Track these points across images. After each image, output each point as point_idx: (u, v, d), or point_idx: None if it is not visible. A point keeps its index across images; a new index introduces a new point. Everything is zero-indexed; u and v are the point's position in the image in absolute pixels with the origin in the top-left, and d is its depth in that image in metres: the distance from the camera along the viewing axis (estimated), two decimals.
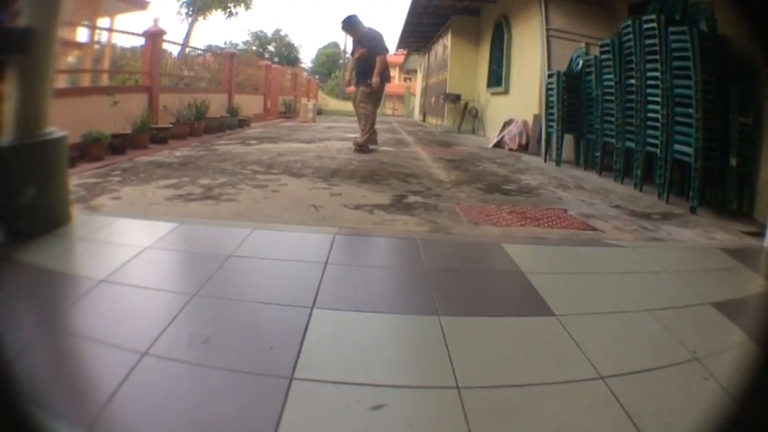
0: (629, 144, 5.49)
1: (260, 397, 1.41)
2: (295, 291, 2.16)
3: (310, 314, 1.92)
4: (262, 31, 43.85)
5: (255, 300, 2.09)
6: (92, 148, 5.60)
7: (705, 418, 1.08)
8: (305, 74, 26.49)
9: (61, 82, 7.12)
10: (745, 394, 0.83)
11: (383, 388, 1.47)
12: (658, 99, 4.82)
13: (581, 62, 6.93)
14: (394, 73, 37.70)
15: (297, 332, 1.77)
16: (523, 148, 8.70)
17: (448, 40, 14.98)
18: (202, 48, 17.83)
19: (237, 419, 1.32)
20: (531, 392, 1.50)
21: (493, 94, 11.75)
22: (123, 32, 11.65)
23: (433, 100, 18.09)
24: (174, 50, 10.87)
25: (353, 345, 1.78)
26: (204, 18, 22.32)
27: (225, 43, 38.10)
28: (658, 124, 4.82)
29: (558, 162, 6.99)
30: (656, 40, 4.84)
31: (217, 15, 22.86)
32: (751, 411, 0.80)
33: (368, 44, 7.48)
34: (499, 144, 9.28)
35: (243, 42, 42.74)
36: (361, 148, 7.43)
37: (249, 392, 1.43)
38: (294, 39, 68.44)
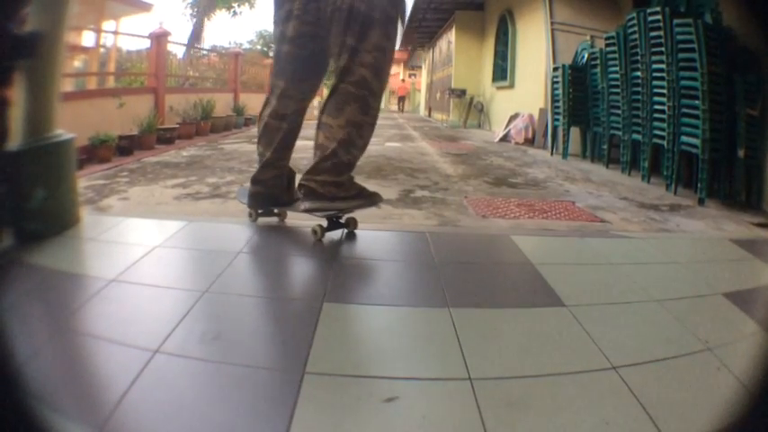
0: (635, 136, 5.47)
1: (273, 392, 1.42)
2: (305, 285, 2.16)
3: (321, 308, 1.92)
4: (266, 30, 43.79)
5: (266, 295, 2.10)
6: (99, 150, 5.64)
7: (719, 407, 1.08)
8: None
9: (68, 86, 7.15)
10: (758, 384, 0.83)
11: (395, 380, 1.47)
12: (664, 91, 4.80)
13: (586, 55, 6.91)
14: (398, 69, 37.42)
15: (308, 326, 1.77)
16: (529, 141, 8.68)
17: (452, 36, 14.94)
18: (207, 48, 17.86)
19: (251, 414, 1.32)
20: (543, 383, 1.50)
21: (498, 88, 11.72)
22: (128, 35, 11.71)
23: (438, 95, 18.06)
24: (179, 51, 10.91)
25: (364, 338, 1.79)
26: (208, 18, 22.32)
27: (230, 43, 38.09)
28: (665, 116, 4.80)
29: (565, 155, 6.97)
30: (662, 33, 4.82)
31: (221, 15, 22.86)
32: (764, 400, 0.80)
33: None
34: (505, 138, 9.26)
35: (248, 42, 42.69)
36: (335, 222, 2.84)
37: (262, 387, 1.44)
38: None
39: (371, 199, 2.75)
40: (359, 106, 2.54)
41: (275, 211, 3.07)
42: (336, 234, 2.86)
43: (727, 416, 0.84)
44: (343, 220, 2.83)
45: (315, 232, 2.74)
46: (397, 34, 2.60)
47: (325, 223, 2.76)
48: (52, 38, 2.68)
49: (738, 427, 0.80)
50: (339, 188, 2.60)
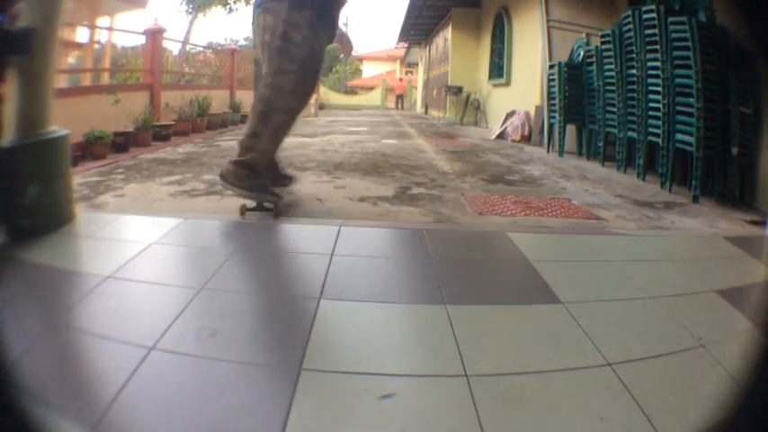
0: (630, 134, 5.48)
1: (269, 388, 1.42)
2: (302, 282, 2.16)
3: (317, 305, 1.93)
4: None
5: (262, 292, 2.10)
6: (94, 147, 5.61)
7: (712, 404, 1.09)
8: None
9: (62, 82, 7.12)
10: (751, 381, 0.83)
11: (392, 377, 1.48)
12: (659, 89, 4.81)
13: (582, 53, 6.91)
14: (394, 66, 37.37)
15: (304, 323, 1.77)
16: (526, 139, 8.69)
17: (449, 33, 14.94)
18: (203, 44, 17.82)
19: (247, 411, 1.32)
20: (539, 379, 1.50)
21: (494, 85, 11.73)
22: (123, 31, 11.66)
23: (434, 92, 18.05)
24: (175, 48, 10.87)
25: (361, 335, 1.79)
26: (204, 15, 22.24)
27: (226, 39, 37.95)
28: (660, 114, 4.81)
29: (561, 152, 6.98)
30: (656, 31, 4.82)
31: (217, 12, 22.79)
32: (757, 398, 0.80)
33: None
34: (502, 135, 9.26)
35: (244, 38, 42.60)
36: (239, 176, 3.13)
37: (258, 384, 1.44)
38: None
39: (261, 196, 3.20)
40: (259, 120, 3.11)
41: (265, 205, 3.26)
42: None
43: (721, 412, 0.84)
44: (269, 205, 3.23)
45: (242, 212, 3.21)
46: (299, 55, 3.07)
47: (250, 204, 3.22)
48: (46, 34, 2.67)
49: (732, 424, 0.80)
50: (236, 177, 3.11)
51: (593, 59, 6.33)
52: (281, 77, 3.07)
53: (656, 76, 4.86)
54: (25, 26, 2.59)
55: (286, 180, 3.79)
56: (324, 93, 26.75)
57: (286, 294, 2.06)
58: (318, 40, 3.15)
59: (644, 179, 5.17)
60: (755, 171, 4.25)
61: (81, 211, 3.07)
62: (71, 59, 10.14)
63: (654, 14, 4.86)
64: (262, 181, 3.19)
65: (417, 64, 27.27)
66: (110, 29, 12.14)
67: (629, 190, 4.71)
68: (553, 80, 7.11)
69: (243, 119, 11.27)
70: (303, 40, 3.06)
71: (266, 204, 3.22)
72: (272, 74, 3.07)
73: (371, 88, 32.71)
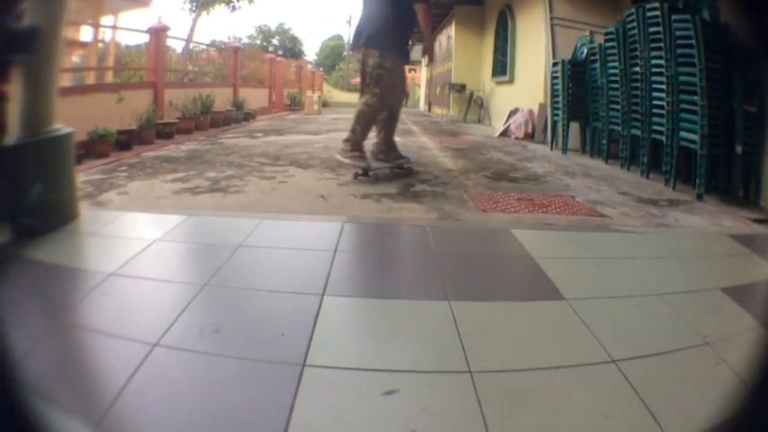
0: (634, 132, 5.46)
1: (272, 384, 1.42)
2: (305, 279, 2.16)
3: (321, 301, 1.93)
4: (265, 25, 43.90)
5: (266, 288, 2.10)
6: (98, 145, 5.62)
7: (717, 401, 1.08)
8: (309, 66, 26.48)
9: (66, 80, 7.12)
10: (756, 378, 0.83)
11: (395, 373, 1.48)
12: (663, 87, 4.79)
13: (585, 50, 6.88)
14: None
15: (308, 319, 1.78)
16: (529, 136, 8.66)
17: (452, 30, 14.91)
18: (206, 43, 17.81)
19: (250, 407, 1.32)
20: (543, 376, 1.50)
21: (498, 83, 11.70)
22: (127, 30, 11.65)
23: (438, 90, 18.02)
24: (179, 46, 10.87)
25: (365, 331, 1.79)
26: (207, 13, 22.26)
27: (229, 38, 38.00)
28: (664, 112, 4.79)
29: (565, 150, 6.97)
30: (660, 28, 4.80)
31: (220, 10, 22.81)
32: (762, 395, 0.80)
33: None
34: (505, 133, 9.24)
35: (247, 36, 42.75)
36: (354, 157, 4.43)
37: (262, 380, 1.44)
38: (298, 32, 68.46)
39: (356, 164, 4.47)
40: (355, 117, 4.48)
41: (369, 174, 4.54)
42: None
43: (726, 410, 0.84)
44: (370, 173, 4.54)
45: (354, 177, 4.54)
46: (376, 76, 4.43)
47: (360, 171, 4.52)
48: (50, 33, 2.68)
49: (736, 422, 0.81)
50: (344, 151, 4.48)
51: (597, 57, 6.31)
52: (368, 89, 4.47)
53: (660, 74, 4.84)
54: (30, 25, 2.59)
55: (403, 160, 4.93)
56: (327, 90, 26.77)
57: (290, 290, 2.06)
58: (388, 64, 4.40)
59: (648, 177, 5.16)
60: (760, 169, 4.23)
61: (85, 209, 3.08)
62: (75, 58, 10.15)
63: (658, 12, 4.85)
64: (359, 154, 4.46)
65: (420, 61, 27.23)
66: (113, 27, 12.18)
67: (632, 187, 4.69)
68: (556, 78, 7.09)
69: (246, 116, 11.28)
70: (377, 66, 4.38)
71: (370, 173, 4.50)
72: (366, 86, 4.51)
73: None
